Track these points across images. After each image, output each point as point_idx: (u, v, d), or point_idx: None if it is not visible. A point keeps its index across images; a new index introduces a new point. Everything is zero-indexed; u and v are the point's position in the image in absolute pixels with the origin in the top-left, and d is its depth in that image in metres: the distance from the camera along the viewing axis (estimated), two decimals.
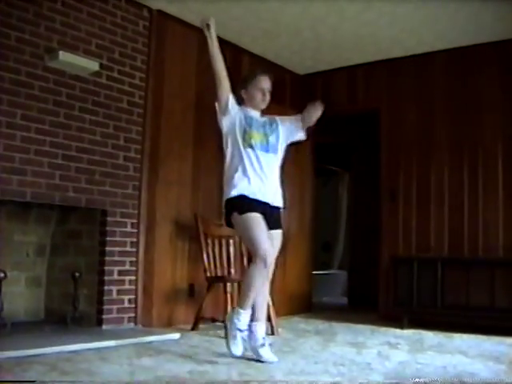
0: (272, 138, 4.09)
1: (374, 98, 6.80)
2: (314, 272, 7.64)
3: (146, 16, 5.46)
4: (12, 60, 4.46)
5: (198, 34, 5.70)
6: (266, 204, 4.00)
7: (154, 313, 5.40)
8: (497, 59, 6.02)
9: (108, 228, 5.09)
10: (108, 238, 5.09)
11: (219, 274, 5.47)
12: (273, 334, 5.16)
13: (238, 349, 3.89)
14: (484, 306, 5.40)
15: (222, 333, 4.92)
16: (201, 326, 5.36)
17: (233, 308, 5.48)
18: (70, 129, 4.82)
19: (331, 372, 3.64)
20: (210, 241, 5.47)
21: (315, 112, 4.16)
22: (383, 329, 5.70)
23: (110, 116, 5.12)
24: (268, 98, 4.16)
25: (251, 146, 4.00)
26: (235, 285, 5.58)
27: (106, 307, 5.04)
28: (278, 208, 4.14)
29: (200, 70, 5.85)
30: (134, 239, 5.28)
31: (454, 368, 3.84)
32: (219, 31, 5.88)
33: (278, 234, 4.13)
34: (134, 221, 5.29)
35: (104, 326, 4.99)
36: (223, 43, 6.06)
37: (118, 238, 5.15)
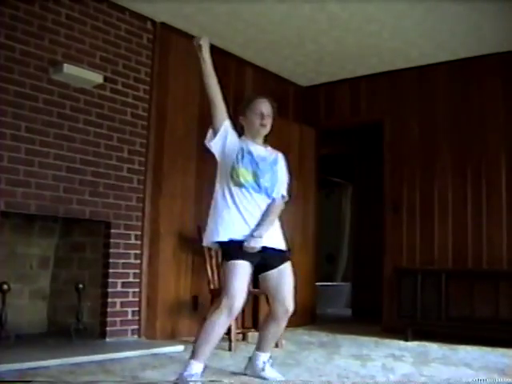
0: (266, 180, 3.62)
1: (377, 110, 6.81)
2: (318, 284, 7.62)
3: (149, 29, 5.49)
4: (16, 73, 4.48)
5: None
6: (262, 248, 3.54)
7: (158, 325, 5.39)
8: (499, 70, 6.03)
9: (112, 240, 5.09)
10: (112, 250, 5.09)
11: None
12: (276, 346, 5.13)
13: None
14: (488, 318, 5.38)
15: (225, 345, 4.91)
16: None
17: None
18: (74, 141, 4.84)
19: None
20: (213, 253, 5.47)
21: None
22: (387, 341, 5.68)
23: (113, 128, 5.14)
24: (268, 123, 3.71)
25: (239, 185, 3.55)
26: None
27: (109, 319, 5.03)
28: (278, 250, 3.68)
29: (204, 82, 5.86)
30: (138, 251, 5.28)
31: (459, 380, 3.82)
32: (223, 44, 5.98)
33: (284, 268, 3.66)
34: (138, 233, 5.29)
35: (107, 339, 4.99)
36: (227, 56, 6.17)
37: (121, 250, 5.15)
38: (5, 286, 4.60)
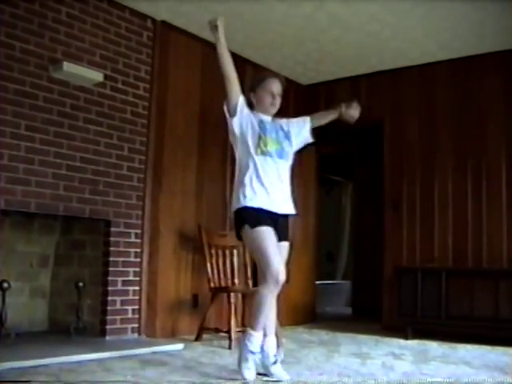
0: (286, 145, 3.85)
1: (378, 109, 6.80)
2: (318, 282, 7.63)
3: (150, 27, 5.48)
4: (16, 71, 4.48)
5: (201, 44, 5.78)
6: (277, 214, 3.73)
7: (158, 323, 5.40)
8: (500, 69, 6.03)
9: (112, 238, 5.09)
10: (112, 249, 5.09)
11: (223, 284, 5.47)
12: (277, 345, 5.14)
13: (250, 373, 3.61)
14: (488, 316, 5.39)
15: (225, 343, 4.91)
16: (204, 336, 5.35)
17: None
18: (74, 139, 4.84)
19: (336, 383, 3.63)
20: (213, 251, 5.47)
21: (355, 113, 4.03)
22: (387, 339, 5.68)
23: (114, 126, 5.13)
24: (278, 102, 3.91)
25: (266, 153, 3.73)
26: (239, 295, 5.59)
27: (109, 317, 5.03)
28: (287, 216, 3.85)
29: (204, 80, 5.88)
30: (138, 249, 5.29)
31: (459, 379, 3.82)
32: None
33: (285, 246, 3.83)
34: (138, 231, 5.29)
35: (108, 337, 4.99)
36: None
37: (121, 249, 5.15)
38: (5, 284, 4.61)
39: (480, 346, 5.29)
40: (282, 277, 3.59)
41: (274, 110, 3.91)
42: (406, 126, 6.56)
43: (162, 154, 5.53)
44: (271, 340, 3.80)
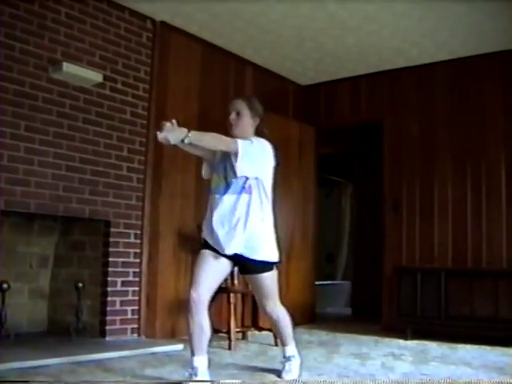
0: (230, 176, 3.53)
1: (377, 109, 6.81)
2: (318, 282, 7.62)
3: (149, 28, 5.48)
4: (16, 71, 4.48)
5: (201, 45, 5.79)
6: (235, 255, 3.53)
7: (158, 324, 5.39)
8: (499, 70, 6.03)
9: (111, 239, 5.09)
10: (111, 249, 5.09)
11: (223, 285, 5.45)
12: (276, 345, 5.15)
13: None
14: (488, 316, 5.38)
15: (225, 344, 4.91)
16: None
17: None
18: (73, 140, 4.84)
19: (335, 383, 3.63)
20: None
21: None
22: (387, 340, 5.68)
23: (113, 127, 5.14)
24: (234, 122, 3.60)
25: (212, 191, 3.63)
26: (239, 296, 5.59)
27: (109, 318, 5.03)
28: (255, 261, 3.55)
29: (203, 81, 5.88)
30: (138, 250, 5.29)
31: (458, 379, 3.82)
32: (223, 43, 5.99)
33: (257, 277, 3.63)
34: (138, 232, 5.29)
35: (107, 338, 4.99)
36: (227, 54, 6.18)
37: (121, 249, 5.15)
38: (4, 285, 4.60)
39: (480, 346, 5.29)
40: (192, 298, 3.46)
41: (235, 132, 3.60)
42: (406, 126, 6.56)
43: (161, 155, 5.52)
44: (284, 350, 3.85)
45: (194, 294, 3.47)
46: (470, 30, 5.59)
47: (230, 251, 3.50)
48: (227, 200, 3.52)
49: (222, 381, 3.58)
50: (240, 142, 3.47)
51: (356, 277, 8.76)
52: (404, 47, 6.07)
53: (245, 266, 3.62)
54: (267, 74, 6.77)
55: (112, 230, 5.10)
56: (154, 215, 5.44)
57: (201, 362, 3.45)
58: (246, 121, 3.63)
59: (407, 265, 6.25)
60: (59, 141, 4.74)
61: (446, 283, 5.65)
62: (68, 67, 4.69)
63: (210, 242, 3.59)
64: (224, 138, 3.47)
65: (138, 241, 5.29)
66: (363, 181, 8.64)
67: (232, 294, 5.16)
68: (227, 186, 3.53)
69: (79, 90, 4.89)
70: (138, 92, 5.36)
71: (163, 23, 5.57)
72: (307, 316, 7.00)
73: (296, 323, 6.62)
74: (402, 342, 5.59)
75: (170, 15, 5.47)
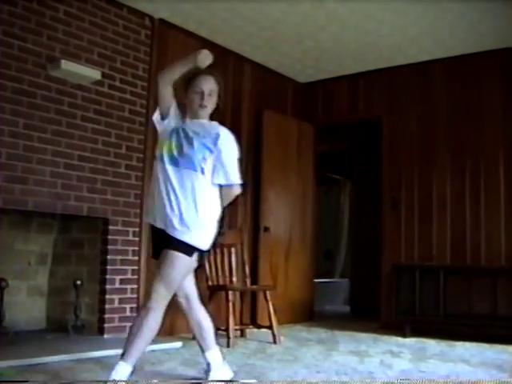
0: (190, 150, 3.17)
1: (376, 107, 6.81)
2: (316, 280, 7.62)
3: (147, 25, 5.48)
4: (14, 69, 4.48)
5: (199, 42, 5.77)
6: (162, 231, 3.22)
7: None
8: (498, 67, 6.03)
9: (110, 237, 5.09)
10: (110, 247, 5.08)
11: (221, 282, 5.46)
12: (275, 342, 5.16)
13: None
14: (486, 314, 5.40)
15: (224, 342, 4.91)
16: None
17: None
18: (71, 138, 4.83)
19: (333, 381, 3.63)
20: (211, 249, 5.46)
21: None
22: (385, 337, 5.69)
23: (111, 125, 5.13)
24: (207, 102, 3.26)
25: (159, 158, 3.23)
26: (237, 293, 5.58)
27: (107, 316, 5.03)
28: (177, 240, 3.20)
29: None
30: (136, 248, 5.28)
31: (457, 376, 3.83)
32: (221, 40, 5.98)
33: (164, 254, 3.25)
34: (136, 229, 5.29)
35: (106, 335, 4.98)
36: (225, 52, 6.17)
37: (119, 247, 5.15)
38: (3, 283, 4.61)
39: (478, 343, 5.29)
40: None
41: (204, 112, 3.28)
42: (405, 124, 6.56)
43: None
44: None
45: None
46: (468, 28, 5.59)
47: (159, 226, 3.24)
48: (178, 174, 3.17)
49: (241, 380, 3.58)
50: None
51: (354, 274, 8.76)
52: (403, 45, 6.07)
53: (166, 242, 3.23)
54: (266, 72, 6.77)
55: (110, 227, 5.09)
56: None
57: (211, 356, 3.51)
58: (213, 103, 3.33)
59: (406, 262, 6.26)
60: (57, 138, 4.73)
61: (444, 281, 5.66)
62: (66, 65, 4.69)
63: (157, 221, 3.23)
64: None
65: (137, 238, 5.29)
66: (362, 179, 8.64)
67: (230, 292, 5.15)
68: (181, 157, 3.18)
69: (77, 87, 4.89)
70: (137, 89, 5.35)
71: (161, 21, 5.56)
72: (306, 313, 7.00)
73: (295, 321, 6.67)
74: (400, 339, 5.59)
75: (169, 13, 5.47)
